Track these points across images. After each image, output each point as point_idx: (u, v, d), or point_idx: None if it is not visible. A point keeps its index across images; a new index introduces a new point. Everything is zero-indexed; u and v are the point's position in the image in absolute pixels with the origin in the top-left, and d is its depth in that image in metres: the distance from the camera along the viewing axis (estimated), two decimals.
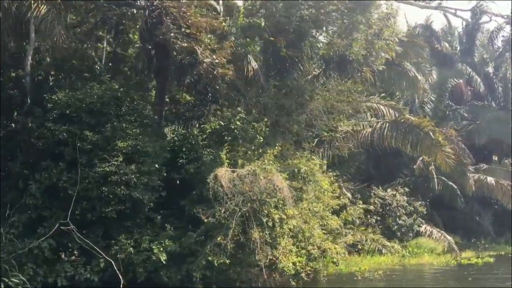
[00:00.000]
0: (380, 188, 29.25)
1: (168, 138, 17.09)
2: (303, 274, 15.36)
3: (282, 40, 20.61)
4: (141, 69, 18.09)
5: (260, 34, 19.49)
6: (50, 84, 17.35)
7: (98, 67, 19.38)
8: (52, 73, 17.70)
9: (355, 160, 28.41)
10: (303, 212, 16.46)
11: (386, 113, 27.85)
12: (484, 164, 32.79)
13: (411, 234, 27.62)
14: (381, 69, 22.37)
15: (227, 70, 15.56)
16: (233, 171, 14.75)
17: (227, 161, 15.56)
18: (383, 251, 25.45)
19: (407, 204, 28.58)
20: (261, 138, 17.78)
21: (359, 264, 22.94)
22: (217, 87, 15.71)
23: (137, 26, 16.72)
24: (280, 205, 15.17)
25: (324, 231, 17.31)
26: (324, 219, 17.13)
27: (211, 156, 16.14)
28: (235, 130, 17.90)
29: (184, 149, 17.23)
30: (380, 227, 28.07)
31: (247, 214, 14.85)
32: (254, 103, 17.97)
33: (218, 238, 14.24)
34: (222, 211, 14.22)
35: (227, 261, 14.46)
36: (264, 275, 14.62)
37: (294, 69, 20.99)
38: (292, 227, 15.77)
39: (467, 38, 41.43)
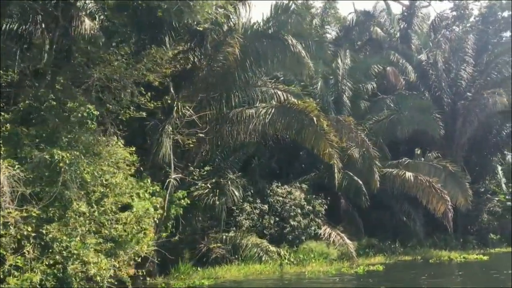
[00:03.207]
0: (278, 185, 24.34)
1: None
2: None
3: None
4: None
5: None
6: None
7: None
8: None
9: (244, 153, 23.49)
10: (70, 215, 11.45)
11: (284, 99, 22.95)
12: (407, 158, 27.70)
13: (303, 238, 22.54)
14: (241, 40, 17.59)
15: None
16: None
17: None
18: (264, 258, 20.56)
19: (305, 203, 23.56)
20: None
21: (222, 275, 18.36)
22: None
23: None
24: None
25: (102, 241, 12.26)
26: (105, 225, 12.06)
27: None
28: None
29: None
30: (276, 229, 23.15)
31: None
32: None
33: None
34: None
35: None
36: None
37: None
38: (35, 233, 10.81)
39: (405, 24, 36.62)
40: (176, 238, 17.49)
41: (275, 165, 26.28)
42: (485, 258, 23.85)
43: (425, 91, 32.18)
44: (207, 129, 18.56)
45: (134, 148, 14.10)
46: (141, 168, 17.69)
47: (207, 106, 21.09)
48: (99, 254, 11.54)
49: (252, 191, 23.81)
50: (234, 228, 22.20)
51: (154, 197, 17.11)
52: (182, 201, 17.89)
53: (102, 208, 11.97)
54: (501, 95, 27.90)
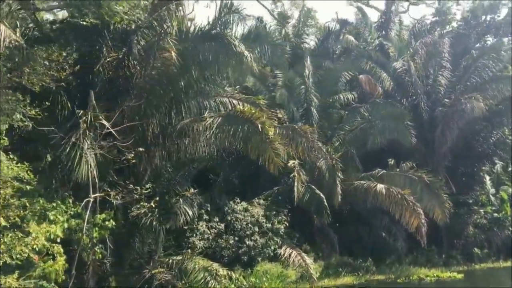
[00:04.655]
0: (237, 201, 22.07)
1: None
2: None
3: None
4: None
5: None
6: None
7: None
8: None
9: (193, 167, 21.26)
10: None
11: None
12: (380, 170, 25.23)
13: (259, 258, 20.13)
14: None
15: None
16: None
17: None
18: (211, 284, 18.11)
19: (264, 220, 21.21)
20: None
21: None
22: None
23: None
24: None
25: None
26: None
27: None
28: None
29: None
30: (233, 250, 20.80)
31: None
32: None
33: None
34: None
35: None
36: None
37: None
38: None
39: (382, 31, 34.70)
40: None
41: (236, 180, 23.96)
42: (459, 276, 21.18)
43: (403, 99, 29.93)
44: (153, 142, 16.43)
45: (26, 165, 11.88)
46: (60, 187, 15.71)
47: (151, 117, 19.08)
48: None
49: (209, 208, 21.62)
50: (188, 251, 19.94)
51: (73, 220, 15.10)
52: (107, 222, 15.66)
53: None
54: (478, 100, 25.44)
